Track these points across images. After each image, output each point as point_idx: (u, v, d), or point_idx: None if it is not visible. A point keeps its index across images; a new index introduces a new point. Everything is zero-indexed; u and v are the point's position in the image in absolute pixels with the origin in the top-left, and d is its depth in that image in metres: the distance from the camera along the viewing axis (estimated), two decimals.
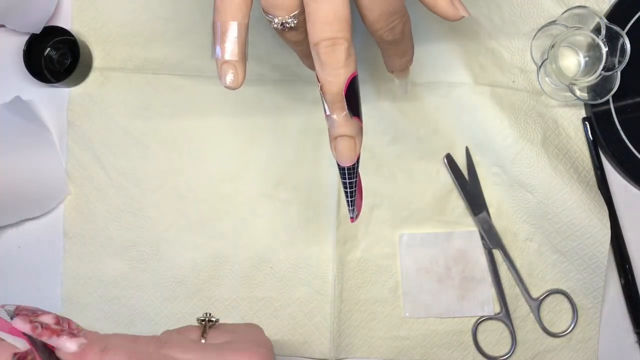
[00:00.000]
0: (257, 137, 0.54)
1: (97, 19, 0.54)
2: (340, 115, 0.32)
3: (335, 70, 0.31)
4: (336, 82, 0.31)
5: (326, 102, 0.32)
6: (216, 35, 0.32)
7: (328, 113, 0.32)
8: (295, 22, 0.32)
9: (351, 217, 0.37)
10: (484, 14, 0.52)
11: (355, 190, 0.35)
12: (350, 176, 0.34)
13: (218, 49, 0.32)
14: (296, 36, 0.34)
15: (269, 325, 0.53)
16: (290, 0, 0.31)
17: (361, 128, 0.33)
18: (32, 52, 0.53)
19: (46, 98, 0.54)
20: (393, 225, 0.53)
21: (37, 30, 0.52)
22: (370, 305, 0.53)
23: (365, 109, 0.52)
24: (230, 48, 0.32)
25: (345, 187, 0.35)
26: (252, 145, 0.54)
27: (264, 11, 0.33)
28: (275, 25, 0.33)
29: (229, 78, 0.32)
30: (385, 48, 0.37)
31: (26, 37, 0.53)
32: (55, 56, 0.54)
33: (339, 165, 0.33)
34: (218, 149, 0.54)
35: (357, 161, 0.34)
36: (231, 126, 0.54)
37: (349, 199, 0.36)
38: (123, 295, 0.54)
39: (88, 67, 0.54)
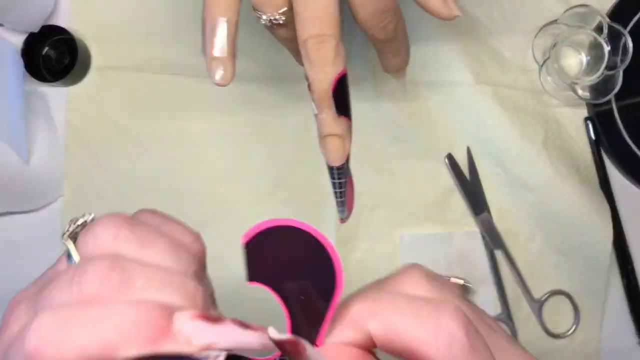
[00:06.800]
0: (256, 136, 0.53)
1: (96, 17, 0.54)
2: (329, 114, 0.31)
3: (322, 68, 0.30)
4: (324, 80, 0.31)
5: (314, 100, 0.31)
6: (206, 32, 0.32)
7: (316, 112, 0.32)
8: (283, 19, 0.32)
9: (340, 219, 0.37)
10: (486, 12, 0.52)
11: (345, 191, 0.35)
12: (339, 176, 0.34)
13: (208, 45, 0.32)
14: (285, 33, 0.33)
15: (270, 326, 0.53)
16: None
17: (350, 127, 0.32)
18: (30, 51, 0.52)
19: (44, 97, 0.54)
20: (393, 226, 0.53)
21: (36, 29, 0.52)
22: None
23: (365, 108, 0.53)
24: (219, 45, 0.32)
25: (334, 187, 0.35)
26: (251, 144, 0.54)
27: (253, 8, 0.33)
28: (263, 22, 0.33)
29: (218, 75, 0.32)
30: (379, 47, 0.37)
31: (24, 36, 0.53)
32: (53, 55, 0.54)
33: (328, 164, 0.33)
34: (217, 148, 0.54)
35: (347, 161, 0.33)
36: (230, 125, 0.54)
37: (338, 200, 0.35)
38: None
39: (86, 66, 0.54)
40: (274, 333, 0.19)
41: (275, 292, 0.20)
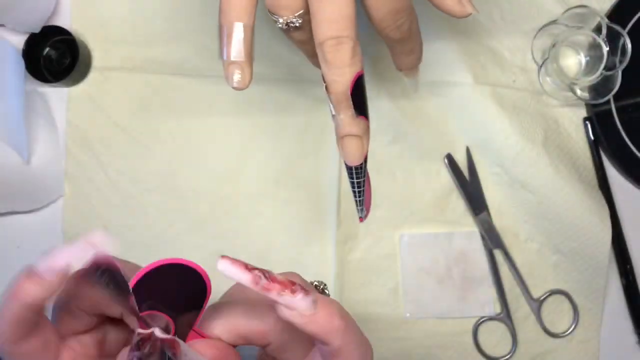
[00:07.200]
0: (257, 136, 0.54)
1: (97, 18, 0.54)
2: (347, 115, 0.32)
3: (340, 70, 0.31)
4: (341, 81, 0.31)
5: (332, 101, 0.31)
6: (222, 37, 0.32)
7: (334, 113, 0.32)
8: (300, 21, 0.32)
9: (360, 217, 0.37)
10: (485, 13, 0.52)
11: (363, 190, 0.35)
12: (358, 176, 0.34)
13: (225, 50, 0.32)
14: (301, 36, 0.34)
15: None
16: (295, 0, 0.31)
17: (368, 127, 0.33)
18: (31, 52, 0.53)
19: (45, 97, 0.54)
20: (393, 225, 0.53)
21: (36, 30, 0.52)
22: (370, 306, 0.53)
23: None
24: (236, 49, 0.32)
25: (353, 187, 0.35)
26: (252, 144, 0.54)
27: (269, 11, 0.33)
28: (280, 25, 0.33)
29: (236, 78, 0.32)
30: (393, 46, 0.37)
31: (25, 37, 0.53)
32: (54, 56, 0.54)
33: (346, 164, 0.33)
34: (218, 148, 0.54)
35: (365, 160, 0.34)
36: (231, 126, 0.54)
37: (357, 199, 0.36)
38: None
39: (87, 67, 0.54)
40: (158, 333, 0.23)
41: (163, 314, 0.25)
